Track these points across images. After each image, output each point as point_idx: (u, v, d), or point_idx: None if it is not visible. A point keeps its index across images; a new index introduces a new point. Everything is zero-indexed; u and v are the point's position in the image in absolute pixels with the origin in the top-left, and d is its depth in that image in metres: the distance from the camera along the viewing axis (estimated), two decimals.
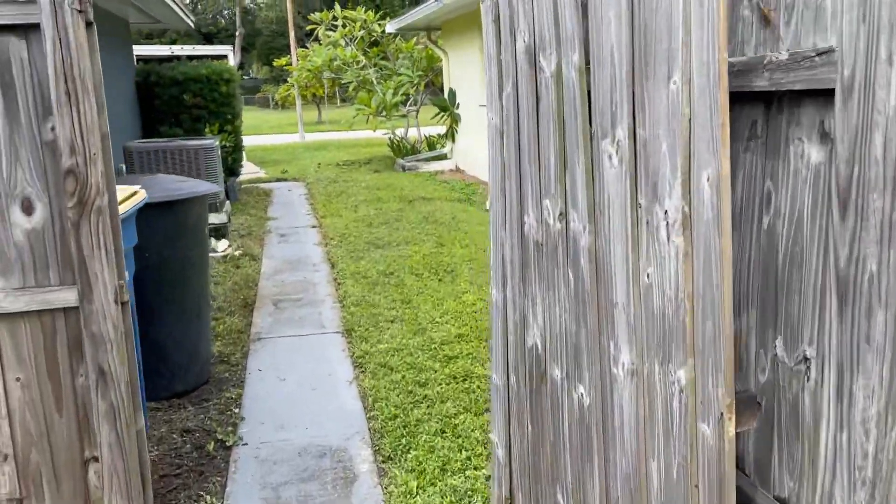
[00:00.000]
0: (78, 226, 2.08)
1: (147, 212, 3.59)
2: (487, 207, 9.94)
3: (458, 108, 13.19)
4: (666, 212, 1.32)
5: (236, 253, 7.20)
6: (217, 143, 8.29)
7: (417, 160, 13.80)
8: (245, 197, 10.97)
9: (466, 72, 12.55)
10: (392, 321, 4.99)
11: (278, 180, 13.31)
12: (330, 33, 14.15)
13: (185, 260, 3.94)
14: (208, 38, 72.01)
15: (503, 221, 2.28)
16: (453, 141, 13.66)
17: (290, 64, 16.84)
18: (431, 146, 14.63)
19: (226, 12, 67.09)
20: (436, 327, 4.80)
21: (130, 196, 3.19)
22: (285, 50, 39.31)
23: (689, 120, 1.23)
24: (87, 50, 2.09)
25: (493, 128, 2.31)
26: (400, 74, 13.49)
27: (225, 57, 15.70)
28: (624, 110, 1.44)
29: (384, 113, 12.70)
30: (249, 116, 45.82)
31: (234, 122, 10.68)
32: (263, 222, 9.01)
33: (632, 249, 1.46)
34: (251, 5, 66.22)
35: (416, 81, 13.23)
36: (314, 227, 8.66)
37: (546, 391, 2.03)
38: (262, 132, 33.57)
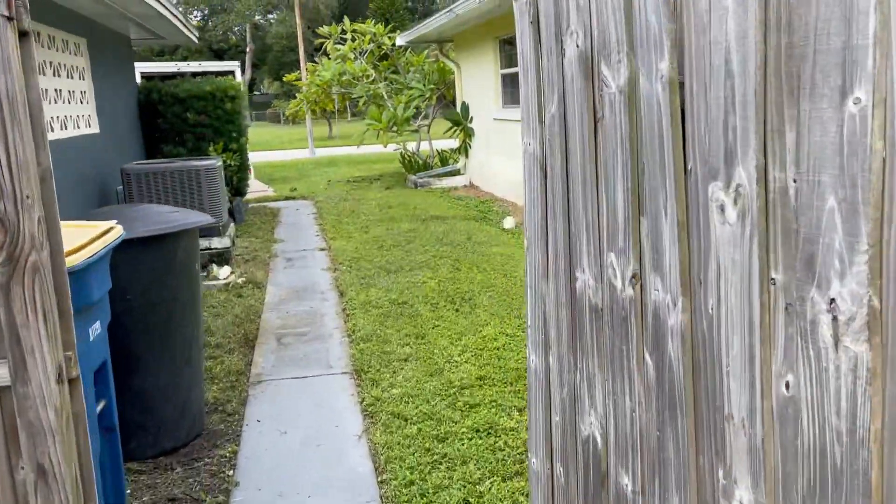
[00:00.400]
0: (8, 288, 1.64)
1: (128, 248, 3.16)
2: (505, 226, 9.53)
3: (471, 121, 12.78)
4: (833, 301, 0.85)
5: (239, 280, 6.78)
6: (220, 162, 7.89)
7: (430, 176, 13.38)
8: (252, 218, 10.58)
9: (480, 84, 12.14)
10: (405, 360, 4.53)
11: (287, 199, 12.93)
12: (339, 47, 13.80)
13: (173, 301, 3.50)
14: (219, 55, 72.31)
15: (545, 272, 1.82)
16: (466, 156, 13.24)
17: (300, 79, 16.46)
18: (444, 161, 14.21)
19: (237, 29, 67.36)
20: (454, 367, 4.34)
21: (102, 234, 2.76)
22: (296, 65, 39.23)
23: (885, 161, 0.77)
24: (21, 67, 1.65)
25: (530, 156, 1.86)
26: (411, 88, 13.10)
27: (232, 73, 15.38)
28: (750, 142, 0.97)
29: (395, 128, 12.31)
30: (260, 132, 45.87)
31: (239, 140, 10.30)
32: (270, 245, 8.59)
33: (760, 344, 1.00)
34: (262, 21, 66.46)
35: (427, 95, 12.84)
36: (323, 249, 8.23)
37: (609, 499, 1.56)
38: (272, 148, 33.41)
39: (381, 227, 9.16)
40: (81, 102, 7.22)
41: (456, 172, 13.59)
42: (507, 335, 4.83)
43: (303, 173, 17.76)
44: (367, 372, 4.37)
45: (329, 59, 13.96)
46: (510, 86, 11.01)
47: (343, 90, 13.74)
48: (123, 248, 3.09)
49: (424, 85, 12.91)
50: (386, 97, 13.55)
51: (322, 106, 15.38)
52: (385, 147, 12.37)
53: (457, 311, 5.49)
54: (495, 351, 4.56)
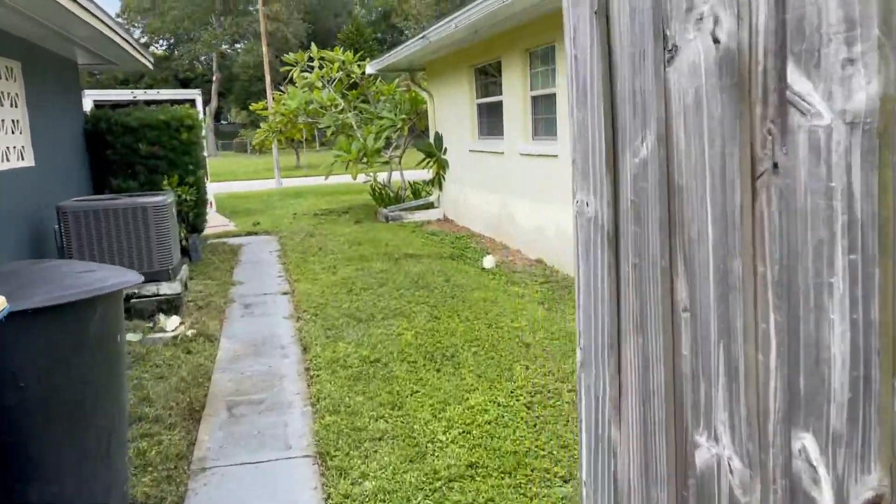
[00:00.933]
0: None
1: (20, 322, 2.43)
2: (485, 266, 8.89)
3: (445, 153, 12.19)
4: None
5: (189, 332, 5.99)
6: (171, 198, 7.13)
7: (402, 209, 12.72)
8: (209, 256, 9.77)
9: (454, 115, 11.58)
10: (379, 439, 3.80)
11: (249, 234, 12.14)
12: (305, 75, 13.17)
13: (84, 385, 2.75)
14: (185, 84, 71.25)
15: (615, 412, 1.14)
16: (440, 189, 12.62)
17: (266, 108, 15.77)
18: (417, 194, 13.58)
19: (203, 58, 66.57)
20: (438, 450, 3.62)
21: None
22: (263, 95, 38.57)
23: None
24: None
25: (589, 224, 1.19)
26: (381, 118, 12.49)
27: (192, 101, 14.64)
28: None
29: (365, 159, 11.67)
30: (226, 162, 44.89)
31: (196, 173, 9.54)
32: (227, 288, 7.81)
33: None
34: (229, 51, 65.81)
35: (399, 125, 12.23)
36: (285, 293, 7.48)
37: None
38: (238, 178, 32.51)
39: (350, 266, 8.45)
40: (12, 132, 6.43)
41: (429, 206, 12.96)
42: (498, 405, 4.14)
43: (268, 205, 16.98)
44: (334, 456, 3.63)
45: (295, 87, 13.31)
46: (486, 116, 10.46)
47: (310, 120, 13.07)
48: (13, 323, 2.36)
49: (395, 115, 12.31)
50: (355, 127, 12.92)
51: (288, 135, 14.69)
52: (354, 179, 11.72)
53: (438, 371, 4.78)
54: (486, 427, 3.85)
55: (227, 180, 31.37)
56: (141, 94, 13.80)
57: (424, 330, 5.69)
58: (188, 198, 9.20)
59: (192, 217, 9.48)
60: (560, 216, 7.66)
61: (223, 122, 79.41)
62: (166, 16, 54.46)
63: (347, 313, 6.32)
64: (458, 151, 11.54)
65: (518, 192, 8.93)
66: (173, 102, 14.11)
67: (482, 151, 10.24)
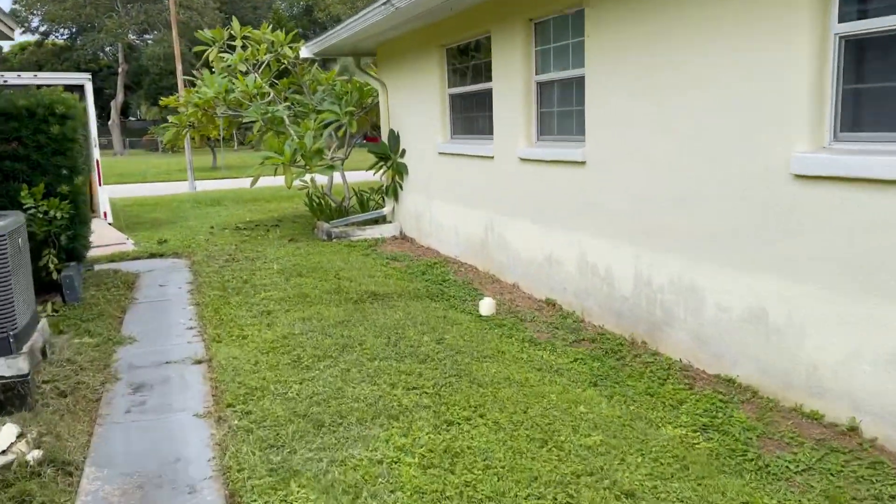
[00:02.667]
0: None
1: None
2: (482, 312, 5.78)
3: (402, 155, 9.91)
4: None
5: (30, 457, 3.52)
6: (17, 225, 4.60)
7: (348, 224, 10.35)
8: (93, 293, 7.16)
9: (416, 108, 9.32)
10: None
11: (152, 256, 9.50)
12: (225, 56, 10.62)
13: None
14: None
15: None
16: (396, 199, 10.33)
17: (178, 100, 12.98)
18: (364, 205, 11.23)
19: (108, 48, 61.50)
20: None
21: None
22: (175, 89, 35.02)
23: None
24: None
25: None
26: (322, 111, 10.08)
27: (81, 87, 11.79)
28: None
29: (302, 162, 9.27)
30: (134, 162, 40.88)
31: (73, 180, 6.92)
32: (110, 352, 5.30)
33: None
34: (137, 42, 61.05)
35: (345, 121, 9.87)
36: (199, 362, 5.05)
37: None
38: (146, 179, 29.06)
39: (292, 312, 6.07)
40: None
41: (381, 220, 10.65)
42: None
43: (179, 215, 14.21)
44: None
45: (213, 72, 10.72)
46: (463, 109, 8.26)
47: (231, 112, 10.52)
48: None
49: (340, 108, 9.93)
50: (287, 123, 10.46)
51: (203, 132, 12.03)
52: (289, 187, 9.34)
53: None
54: None
55: (134, 182, 27.96)
56: (12, 78, 10.87)
57: (434, 452, 3.44)
58: (59, 215, 6.58)
59: (65, 241, 6.85)
60: (590, 245, 5.55)
61: (132, 118, 74.03)
62: (66, 2, 49.58)
63: (299, 411, 3.98)
64: (421, 154, 9.28)
65: (515, 208, 6.78)
66: (60, 88, 11.26)
67: (458, 155, 8.04)
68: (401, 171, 9.96)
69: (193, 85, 11.69)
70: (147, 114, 66.15)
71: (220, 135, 12.87)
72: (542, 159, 6.19)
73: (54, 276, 6.77)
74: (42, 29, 62.10)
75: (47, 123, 6.74)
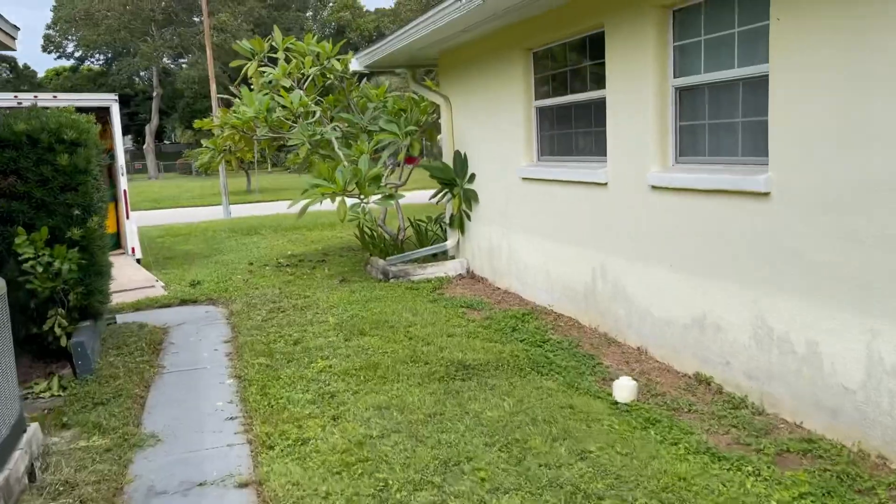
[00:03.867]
0: None
1: None
2: (618, 398, 3.87)
3: (471, 180, 8.46)
4: None
5: None
6: None
7: (407, 261, 8.91)
8: (112, 358, 5.79)
9: (491, 124, 7.89)
10: None
11: (184, 302, 8.16)
12: (266, 71, 9.33)
13: None
14: (124, 101, 66.03)
15: None
16: (462, 231, 8.87)
17: (213, 121, 11.70)
18: (423, 237, 9.80)
19: (143, 73, 61.56)
20: None
21: None
22: (208, 112, 34.25)
23: None
24: None
25: None
26: (378, 132, 8.71)
27: (106, 109, 10.61)
28: None
29: (358, 191, 7.88)
30: (168, 186, 40.16)
31: (85, 222, 5.59)
32: (123, 465, 3.88)
33: None
34: (171, 66, 61.05)
35: (404, 142, 8.45)
36: (243, 485, 3.60)
37: None
38: (180, 203, 28.13)
39: (363, 396, 4.61)
40: None
41: (443, 255, 9.20)
42: None
43: (213, 246, 12.94)
44: None
45: (251, 89, 9.43)
46: (554, 125, 6.80)
47: (272, 135, 9.20)
48: None
49: (399, 126, 8.53)
50: (336, 146, 9.09)
51: (239, 155, 10.72)
52: (343, 220, 7.96)
53: None
54: None
55: (167, 207, 27.03)
56: (26, 98, 9.71)
57: None
58: (66, 266, 5.24)
59: (75, 298, 5.51)
60: (775, 307, 4.00)
61: (166, 142, 74.08)
62: (100, 26, 49.52)
63: None
64: (496, 178, 7.83)
65: (641, 250, 5.26)
66: (85, 111, 10.08)
67: (550, 181, 6.56)
68: (469, 198, 8.50)
69: (229, 105, 10.42)
70: (181, 137, 66.00)
71: (254, 157, 11.57)
72: (688, 188, 4.67)
73: (63, 342, 5.42)
74: (77, 54, 62.47)
75: (53, 152, 5.43)
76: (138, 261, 10.62)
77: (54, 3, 57.38)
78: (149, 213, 24.70)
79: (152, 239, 14.99)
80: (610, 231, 5.68)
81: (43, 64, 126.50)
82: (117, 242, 11.36)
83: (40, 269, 5.10)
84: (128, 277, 9.26)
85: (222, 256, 11.72)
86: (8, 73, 59.42)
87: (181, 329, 6.95)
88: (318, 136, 8.83)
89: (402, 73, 10.27)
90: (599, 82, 5.83)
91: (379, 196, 8.09)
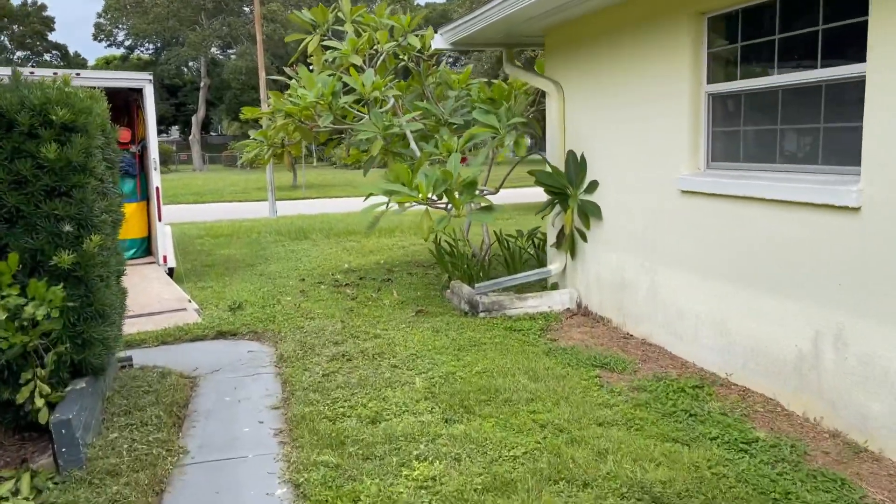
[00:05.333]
0: None
1: None
2: None
3: (589, 190, 6.53)
4: None
5: None
6: None
7: (500, 291, 7.03)
8: (113, 434, 4.04)
9: (622, 120, 5.97)
10: None
11: (221, 335, 6.44)
12: (331, 47, 7.54)
13: None
14: (172, 91, 65.56)
15: None
16: (572, 255, 6.95)
17: (264, 110, 9.90)
18: (513, 257, 7.91)
19: (191, 63, 60.95)
20: None
21: None
22: (256, 104, 32.93)
23: None
24: None
25: None
26: (472, 125, 6.86)
27: (138, 91, 8.98)
28: None
29: (447, 203, 6.04)
30: (212, 178, 38.91)
31: (80, 242, 3.84)
32: None
33: None
34: (220, 56, 60.30)
35: (508, 142, 6.54)
36: None
37: None
38: (223, 197, 26.76)
39: None
40: None
41: (544, 283, 7.30)
42: None
43: (258, 252, 11.27)
44: None
45: (311, 70, 7.67)
46: (733, 119, 4.85)
47: (336, 125, 7.41)
48: None
49: (500, 119, 6.66)
50: (412, 142, 7.28)
51: (293, 151, 8.95)
52: (427, 240, 6.15)
53: None
54: None
55: (210, 201, 25.67)
56: (46, 74, 8.11)
57: None
58: (43, 312, 3.50)
59: (64, 352, 3.78)
60: None
61: (213, 133, 73.47)
62: (149, 14, 48.79)
63: None
64: (635, 190, 5.90)
65: None
66: (114, 91, 8.49)
67: (737, 198, 4.61)
68: (586, 213, 6.59)
69: (284, 89, 8.69)
70: (228, 129, 65.27)
71: (301, 152, 9.79)
72: None
73: (42, 417, 3.70)
74: (127, 43, 62.20)
75: (36, 140, 3.71)
76: (171, 271, 8.98)
77: None
78: (191, 207, 23.36)
79: (191, 240, 13.43)
80: (856, 280, 3.72)
81: (94, 52, 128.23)
82: (147, 249, 9.75)
83: (3, 317, 3.36)
84: (156, 295, 7.60)
85: (268, 266, 10.03)
86: (59, 60, 59.39)
87: (215, 380, 5.20)
88: (396, 129, 7.01)
89: (490, 55, 8.38)
90: (844, 53, 3.88)
91: (474, 207, 6.24)
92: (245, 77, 50.16)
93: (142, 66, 61.84)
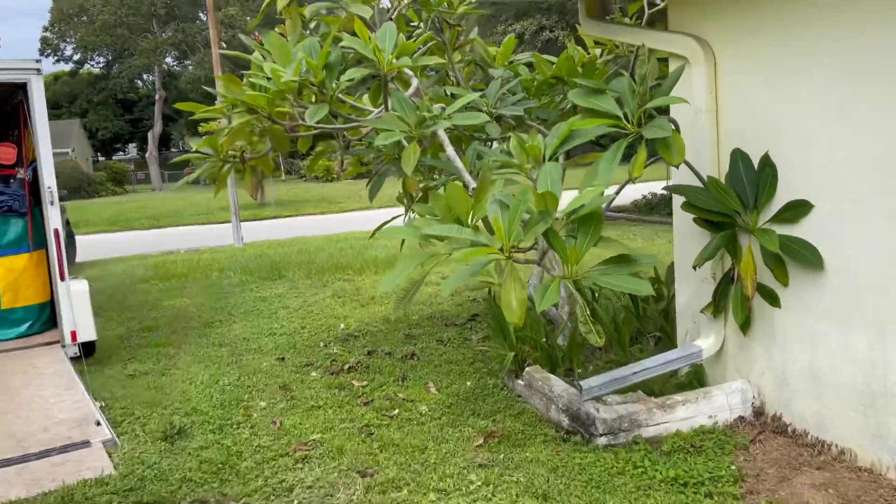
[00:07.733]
0: None
1: None
2: None
3: (786, 216, 3.71)
4: None
5: None
6: None
7: (624, 386, 4.14)
8: None
9: (859, 95, 3.15)
10: None
11: None
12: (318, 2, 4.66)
13: None
14: (127, 107, 61.57)
15: None
16: (744, 327, 4.07)
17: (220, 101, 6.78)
18: (618, 323, 5.04)
19: (146, 76, 57.20)
20: None
21: None
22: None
23: None
24: None
25: None
26: (570, 114, 4.06)
27: (20, 88, 5.98)
28: None
29: (543, 251, 3.24)
30: (171, 199, 35.35)
31: None
32: None
33: None
34: (175, 67, 56.74)
35: (633, 133, 3.73)
36: None
37: None
38: (182, 221, 23.55)
39: None
40: None
41: (678, 372, 4.45)
42: None
43: (218, 303, 8.25)
44: None
45: (283, 35, 4.77)
46: None
47: (332, 126, 4.46)
48: None
49: (627, 106, 3.79)
50: (448, 146, 4.45)
51: (260, 166, 5.93)
52: (518, 323, 3.37)
53: None
54: None
55: (167, 225, 22.47)
56: None
57: None
58: None
59: None
60: None
61: (173, 149, 69.30)
62: (95, 22, 45.15)
63: None
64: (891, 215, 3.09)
65: None
66: None
67: None
68: (789, 256, 3.76)
69: (238, 74, 5.72)
70: (189, 145, 61.69)
71: (271, 169, 6.76)
72: None
73: None
74: (76, 58, 58.19)
75: None
76: (87, 348, 5.99)
77: (52, 3, 53.20)
78: (145, 233, 20.20)
79: (134, 285, 10.38)
80: None
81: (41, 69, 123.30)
82: (51, 318, 6.73)
83: None
84: (42, 414, 4.61)
85: (231, 327, 7.09)
86: None
87: None
88: (432, 125, 4.13)
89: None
90: None
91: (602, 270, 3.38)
92: (205, 85, 46.71)
93: (92, 80, 58.00)
